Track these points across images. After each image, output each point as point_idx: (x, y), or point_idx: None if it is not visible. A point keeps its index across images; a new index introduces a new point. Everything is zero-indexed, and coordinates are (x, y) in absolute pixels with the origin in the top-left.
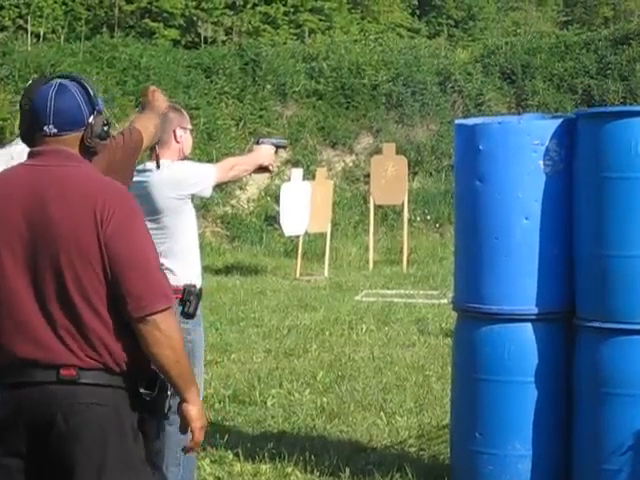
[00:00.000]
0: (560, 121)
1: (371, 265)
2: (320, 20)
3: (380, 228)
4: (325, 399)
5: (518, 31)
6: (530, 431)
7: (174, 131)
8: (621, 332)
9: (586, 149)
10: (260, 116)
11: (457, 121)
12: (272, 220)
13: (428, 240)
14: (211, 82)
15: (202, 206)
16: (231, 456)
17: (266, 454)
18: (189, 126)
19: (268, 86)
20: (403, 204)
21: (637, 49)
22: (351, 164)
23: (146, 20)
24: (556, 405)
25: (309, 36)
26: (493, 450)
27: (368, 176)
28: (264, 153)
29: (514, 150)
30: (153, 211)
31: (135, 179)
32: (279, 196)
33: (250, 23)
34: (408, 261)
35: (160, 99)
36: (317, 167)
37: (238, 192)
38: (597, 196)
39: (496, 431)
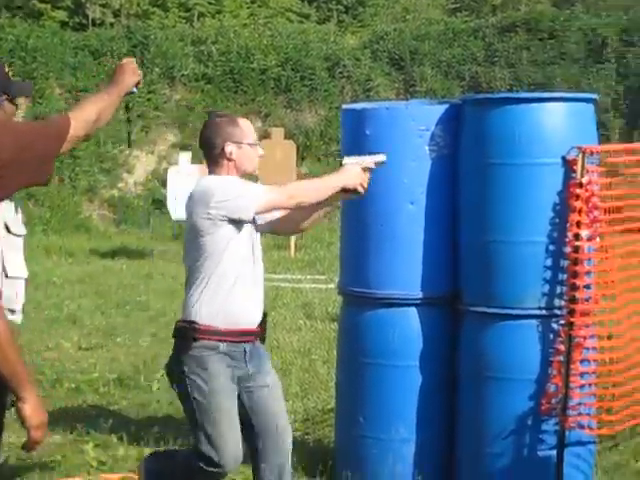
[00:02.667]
0: (446, 107)
1: None
2: (210, 4)
3: None
4: None
5: (407, 17)
6: (414, 415)
7: (222, 147)
8: (505, 317)
9: (471, 135)
10: (148, 99)
11: (344, 106)
12: (160, 204)
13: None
14: (99, 64)
15: (88, 189)
16: (115, 440)
17: (151, 438)
18: (246, 140)
19: (156, 69)
20: None
21: (524, 37)
22: None
23: (33, 1)
24: (440, 389)
25: (198, 19)
26: (377, 434)
27: None
28: (348, 174)
29: (400, 135)
30: (189, 230)
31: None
32: (167, 180)
33: (139, 5)
34: (296, 246)
35: (128, 73)
36: None
37: (125, 175)
38: (481, 182)
39: (380, 415)
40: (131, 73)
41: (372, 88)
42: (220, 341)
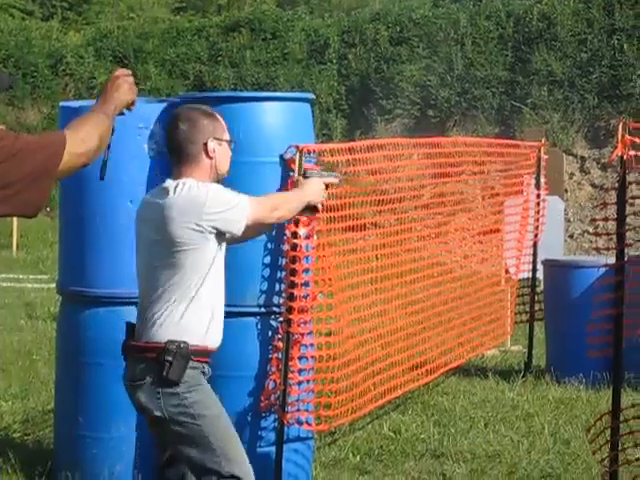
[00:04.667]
0: (165, 105)
1: None
2: None
3: None
4: None
5: (132, 16)
6: (134, 413)
7: (205, 143)
8: (226, 315)
9: None
10: None
11: (62, 103)
12: None
13: (39, 224)
14: None
15: None
16: None
17: None
18: (226, 136)
19: None
20: None
21: (247, 37)
22: None
23: None
24: None
25: None
26: (97, 433)
27: None
28: (313, 189)
29: (118, 133)
30: (165, 242)
31: (149, 200)
32: None
33: None
34: (18, 245)
35: (123, 88)
36: None
37: None
38: None
39: (99, 414)
40: (127, 89)
41: (95, 86)
42: (205, 363)
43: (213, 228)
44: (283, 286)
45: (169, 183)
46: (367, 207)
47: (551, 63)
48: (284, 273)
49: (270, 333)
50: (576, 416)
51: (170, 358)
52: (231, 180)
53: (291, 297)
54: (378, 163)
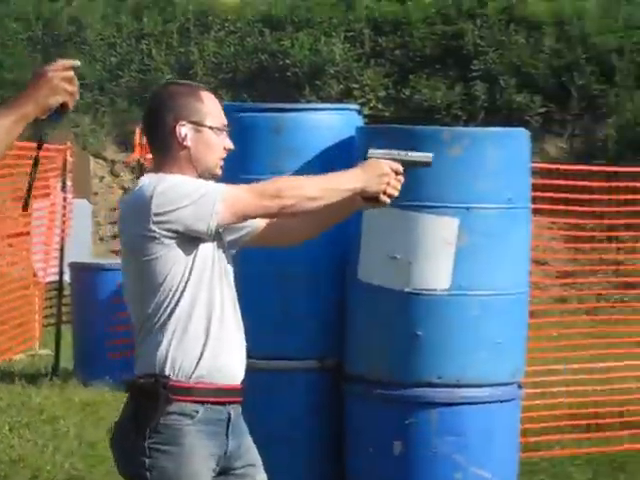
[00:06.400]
0: None
1: None
2: None
3: None
4: None
5: None
6: None
7: (173, 127)
8: None
9: None
10: None
11: None
12: None
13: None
14: None
15: None
16: None
17: None
18: (210, 121)
19: None
20: None
21: None
22: None
23: None
24: None
25: None
26: None
27: None
28: (370, 173)
29: None
30: (126, 252)
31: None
32: None
33: None
34: None
35: (44, 87)
36: None
37: None
38: None
39: None
40: (49, 88)
41: None
42: (199, 403)
43: (170, 232)
44: None
45: (142, 179)
46: None
47: (80, 67)
48: None
49: None
50: (102, 418)
51: (141, 397)
52: None
53: None
54: None
